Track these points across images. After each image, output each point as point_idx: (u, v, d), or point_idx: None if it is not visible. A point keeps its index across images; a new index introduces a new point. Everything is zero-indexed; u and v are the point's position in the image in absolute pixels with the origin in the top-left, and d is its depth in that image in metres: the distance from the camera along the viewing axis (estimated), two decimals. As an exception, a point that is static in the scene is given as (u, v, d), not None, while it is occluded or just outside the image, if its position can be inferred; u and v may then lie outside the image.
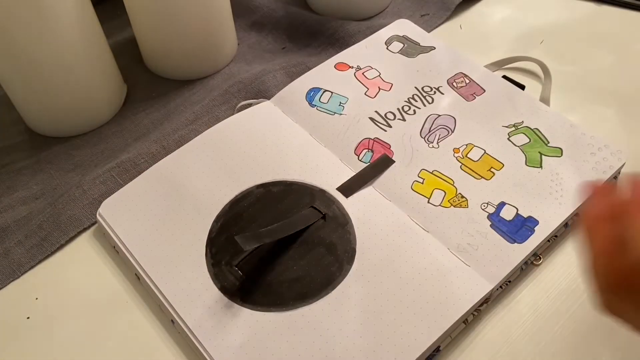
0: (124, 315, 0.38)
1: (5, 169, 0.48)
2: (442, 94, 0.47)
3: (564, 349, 0.35)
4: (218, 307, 0.36)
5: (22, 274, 0.41)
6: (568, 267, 0.39)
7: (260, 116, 0.46)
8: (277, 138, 0.45)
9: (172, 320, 0.37)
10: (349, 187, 0.41)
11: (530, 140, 0.43)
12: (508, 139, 0.43)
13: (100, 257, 0.42)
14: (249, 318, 0.35)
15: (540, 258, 0.39)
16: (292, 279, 0.37)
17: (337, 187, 0.41)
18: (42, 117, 0.49)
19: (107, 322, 0.38)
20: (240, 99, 0.51)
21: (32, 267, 0.41)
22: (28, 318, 0.39)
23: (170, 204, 0.41)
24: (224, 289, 0.37)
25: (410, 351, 0.33)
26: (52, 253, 0.42)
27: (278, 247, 0.38)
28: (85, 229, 0.43)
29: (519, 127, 0.44)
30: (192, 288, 0.37)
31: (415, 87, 0.48)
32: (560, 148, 0.42)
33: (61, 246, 0.42)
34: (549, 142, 0.43)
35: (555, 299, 0.37)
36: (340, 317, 0.35)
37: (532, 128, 0.44)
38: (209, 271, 0.38)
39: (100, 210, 0.42)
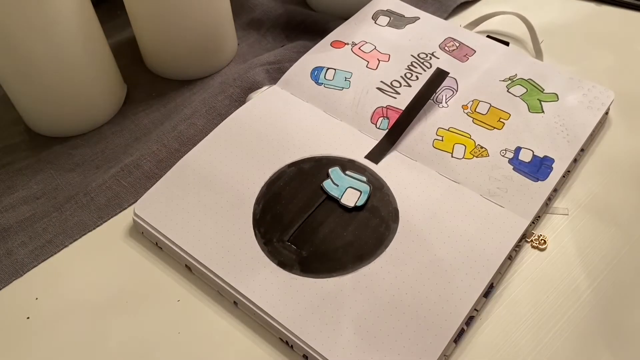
0: (131, 315, 0.39)
1: (5, 169, 0.48)
2: (438, 58, 0.50)
3: (563, 350, 0.36)
4: (280, 281, 0.38)
5: (24, 274, 0.41)
6: (568, 266, 0.40)
7: (271, 101, 0.48)
8: (294, 118, 0.46)
9: (234, 302, 0.38)
10: (377, 154, 0.44)
11: (527, 90, 0.47)
12: (507, 91, 0.47)
13: (100, 257, 0.42)
14: (313, 286, 0.37)
15: (545, 242, 0.41)
16: (345, 244, 0.39)
17: (364, 155, 0.44)
18: (42, 117, 0.49)
19: (106, 321, 0.39)
20: (236, 88, 0.52)
21: (34, 267, 0.41)
22: (28, 318, 0.39)
23: (205, 194, 0.42)
24: (282, 264, 0.38)
25: (473, 290, 0.37)
26: (54, 253, 0.42)
27: (323, 218, 0.40)
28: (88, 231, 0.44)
29: (514, 79, 0.48)
30: (250, 268, 0.38)
31: (412, 55, 0.50)
32: (555, 93, 0.47)
33: (64, 247, 0.43)
34: (544, 90, 0.47)
35: (555, 299, 0.38)
36: (400, 270, 0.38)
37: (526, 79, 0.48)
38: (263, 250, 0.39)
39: (136, 211, 0.42)
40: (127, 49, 0.56)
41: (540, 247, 0.40)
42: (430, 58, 0.50)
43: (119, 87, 0.52)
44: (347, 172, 0.43)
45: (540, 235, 0.41)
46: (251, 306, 0.37)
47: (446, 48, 0.51)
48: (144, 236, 0.42)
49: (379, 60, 0.50)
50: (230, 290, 0.38)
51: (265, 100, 0.48)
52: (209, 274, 0.39)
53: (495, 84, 0.48)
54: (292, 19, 0.59)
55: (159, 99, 0.53)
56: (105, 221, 0.44)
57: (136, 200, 0.44)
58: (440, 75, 0.47)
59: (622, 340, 0.36)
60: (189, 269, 0.40)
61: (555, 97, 0.46)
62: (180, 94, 0.53)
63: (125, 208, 0.45)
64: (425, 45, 0.51)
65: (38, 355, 0.37)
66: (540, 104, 0.46)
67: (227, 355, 0.37)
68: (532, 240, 0.41)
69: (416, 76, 0.49)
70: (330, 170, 0.43)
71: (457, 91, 0.48)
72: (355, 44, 0.52)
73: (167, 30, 0.50)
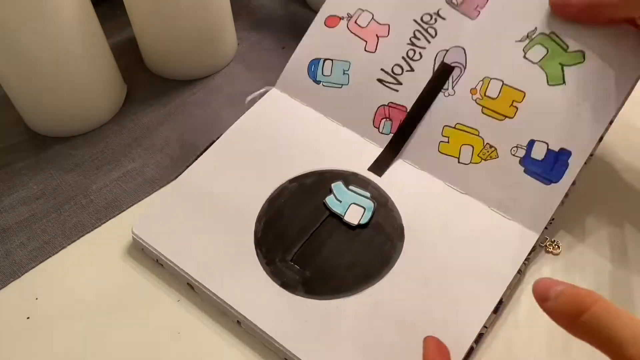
0: (126, 316, 0.39)
1: (5, 169, 0.49)
2: (444, 19, 0.44)
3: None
4: (283, 302, 0.37)
5: (22, 275, 0.42)
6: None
7: (270, 109, 0.46)
8: (294, 129, 0.44)
9: (237, 321, 0.38)
10: (380, 165, 0.42)
11: (548, 51, 0.41)
12: (524, 56, 0.41)
13: (99, 258, 0.42)
14: (317, 308, 0.37)
15: (559, 247, 0.39)
16: (350, 263, 0.38)
17: (367, 167, 0.42)
18: (42, 117, 0.49)
19: (106, 322, 0.39)
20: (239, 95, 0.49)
21: (33, 267, 0.42)
22: (28, 318, 0.40)
23: (205, 212, 0.41)
24: (284, 285, 0.38)
25: (483, 309, 0.35)
26: (52, 254, 0.43)
27: (326, 236, 0.39)
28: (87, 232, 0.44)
29: (532, 37, 0.41)
30: (253, 289, 0.38)
31: (414, 21, 0.45)
32: (581, 51, 0.40)
33: (62, 248, 0.43)
34: (568, 47, 0.40)
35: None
36: (407, 290, 0.37)
37: (548, 33, 0.41)
38: (265, 270, 0.39)
39: (135, 230, 0.41)
40: (127, 49, 0.56)
41: (554, 252, 0.39)
42: (435, 21, 0.44)
43: (119, 87, 0.52)
44: (351, 187, 0.41)
45: (555, 240, 0.39)
46: (254, 328, 0.37)
47: (453, 1, 0.44)
48: (144, 253, 0.42)
49: (377, 37, 0.46)
50: (233, 312, 0.37)
51: (263, 110, 0.46)
52: (209, 294, 0.38)
53: (510, 47, 0.41)
54: (293, 20, 0.58)
55: (159, 99, 0.53)
56: (104, 223, 0.45)
57: (135, 204, 0.44)
58: (445, 72, 0.43)
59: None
60: (191, 287, 0.40)
61: (580, 57, 0.39)
62: (180, 94, 0.53)
63: (124, 210, 0.45)
64: (428, 3, 0.45)
65: (38, 355, 0.38)
66: (562, 70, 0.40)
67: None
68: (545, 245, 0.39)
69: (419, 54, 0.44)
70: (333, 185, 0.41)
71: (465, 67, 0.43)
72: (351, 16, 0.47)
73: (167, 30, 0.49)
